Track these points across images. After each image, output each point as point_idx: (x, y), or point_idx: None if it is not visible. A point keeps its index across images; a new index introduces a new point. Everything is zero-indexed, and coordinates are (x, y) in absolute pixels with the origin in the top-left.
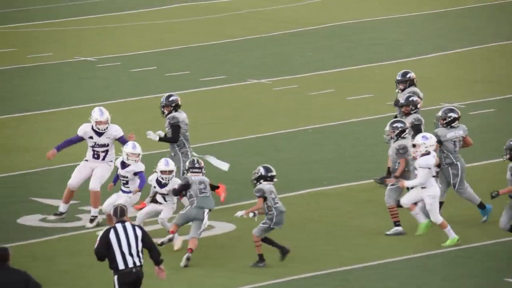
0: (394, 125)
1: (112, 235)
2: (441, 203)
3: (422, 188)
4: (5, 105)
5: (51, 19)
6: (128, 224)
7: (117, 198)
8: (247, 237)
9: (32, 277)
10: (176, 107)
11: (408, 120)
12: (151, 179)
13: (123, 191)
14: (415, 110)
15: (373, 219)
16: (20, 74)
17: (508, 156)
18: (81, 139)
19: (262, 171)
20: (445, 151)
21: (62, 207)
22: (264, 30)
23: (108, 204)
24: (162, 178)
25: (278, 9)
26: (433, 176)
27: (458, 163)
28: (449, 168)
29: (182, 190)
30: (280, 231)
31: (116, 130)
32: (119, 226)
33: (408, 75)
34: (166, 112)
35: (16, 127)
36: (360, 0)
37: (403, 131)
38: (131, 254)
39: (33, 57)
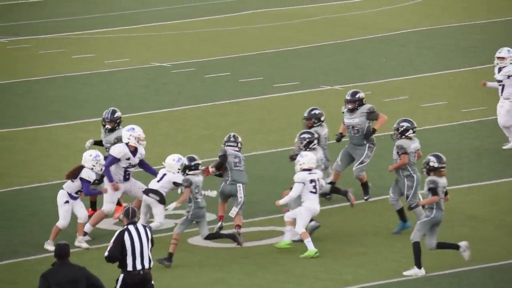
0: (302, 136)
1: (126, 237)
2: (401, 211)
3: (302, 202)
4: (84, 108)
5: (128, 25)
6: (140, 225)
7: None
8: (318, 243)
9: (91, 273)
10: (119, 124)
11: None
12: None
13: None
14: (318, 124)
15: (447, 228)
16: (99, 79)
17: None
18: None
19: (185, 161)
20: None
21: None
22: (339, 36)
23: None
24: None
25: (353, 15)
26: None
27: (415, 176)
28: (406, 179)
29: (222, 162)
30: (352, 237)
31: (143, 149)
32: (131, 228)
33: (357, 95)
34: (109, 127)
35: (94, 131)
36: (435, 7)
37: (310, 142)
38: (142, 256)
39: (110, 62)
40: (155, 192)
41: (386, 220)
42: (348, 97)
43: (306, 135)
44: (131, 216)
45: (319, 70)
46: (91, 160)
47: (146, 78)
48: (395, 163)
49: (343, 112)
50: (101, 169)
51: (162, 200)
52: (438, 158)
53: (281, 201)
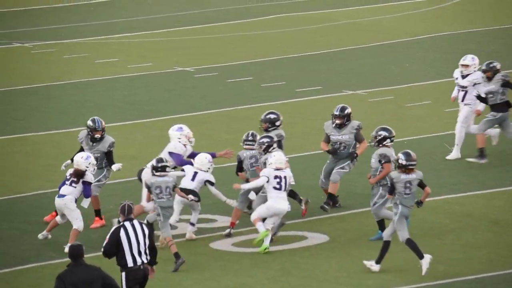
0: (261, 140)
1: (122, 233)
2: (381, 222)
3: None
4: (107, 113)
5: (151, 30)
6: (136, 222)
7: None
8: (340, 248)
9: (106, 273)
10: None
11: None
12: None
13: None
14: (272, 128)
15: (470, 233)
16: (123, 84)
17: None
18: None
19: (153, 162)
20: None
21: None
22: (362, 41)
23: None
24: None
25: (376, 20)
26: None
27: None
28: (381, 188)
29: (238, 170)
30: (375, 242)
31: (190, 148)
32: (128, 224)
33: (346, 111)
34: (99, 136)
35: (118, 135)
36: (459, 12)
37: (269, 146)
38: (139, 252)
39: (133, 67)
40: (194, 193)
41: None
42: (336, 113)
43: (265, 139)
44: (127, 213)
45: (342, 74)
46: (84, 162)
47: (169, 82)
48: (373, 171)
49: (334, 127)
50: (94, 169)
51: (199, 200)
52: (407, 155)
53: (242, 185)
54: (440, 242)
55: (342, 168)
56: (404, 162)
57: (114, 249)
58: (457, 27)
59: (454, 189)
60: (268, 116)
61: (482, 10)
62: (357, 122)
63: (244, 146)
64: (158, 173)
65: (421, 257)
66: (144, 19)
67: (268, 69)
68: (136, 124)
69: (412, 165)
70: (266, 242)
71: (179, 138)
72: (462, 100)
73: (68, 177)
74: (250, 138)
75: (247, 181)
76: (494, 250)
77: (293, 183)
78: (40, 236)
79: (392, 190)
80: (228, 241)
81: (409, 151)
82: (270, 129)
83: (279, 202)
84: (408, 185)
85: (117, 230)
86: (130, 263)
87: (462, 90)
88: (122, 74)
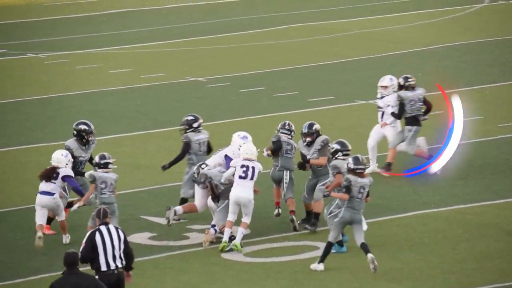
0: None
1: (97, 237)
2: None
3: None
4: (121, 123)
5: (164, 40)
6: (111, 226)
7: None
8: (352, 258)
9: (101, 283)
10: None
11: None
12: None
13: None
14: (190, 129)
15: (483, 243)
16: (136, 94)
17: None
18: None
19: (96, 159)
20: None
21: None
22: (374, 50)
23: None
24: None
25: (389, 30)
26: None
27: None
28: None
29: (276, 148)
30: (387, 252)
31: None
32: (103, 228)
33: (314, 127)
34: (92, 139)
35: (131, 145)
36: (472, 22)
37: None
38: (114, 256)
39: (146, 77)
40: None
41: (420, 235)
42: (305, 130)
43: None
44: (102, 217)
45: (354, 84)
46: (64, 159)
47: (181, 92)
48: (329, 182)
49: (305, 145)
50: (70, 165)
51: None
52: (355, 160)
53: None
54: (453, 252)
55: (324, 185)
56: (352, 166)
57: (91, 254)
58: (470, 36)
59: (467, 199)
60: (185, 119)
61: (495, 20)
62: (323, 137)
63: (281, 133)
64: (100, 170)
65: (320, 261)
66: (157, 29)
67: (281, 79)
68: (149, 134)
69: (360, 169)
70: (225, 238)
71: (240, 146)
72: (381, 120)
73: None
74: (286, 127)
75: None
76: (507, 260)
77: (261, 170)
78: (66, 240)
79: (348, 191)
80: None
81: (358, 155)
82: (188, 131)
83: (241, 190)
84: (362, 190)
85: (92, 234)
86: (103, 267)
87: (380, 111)
88: (135, 84)
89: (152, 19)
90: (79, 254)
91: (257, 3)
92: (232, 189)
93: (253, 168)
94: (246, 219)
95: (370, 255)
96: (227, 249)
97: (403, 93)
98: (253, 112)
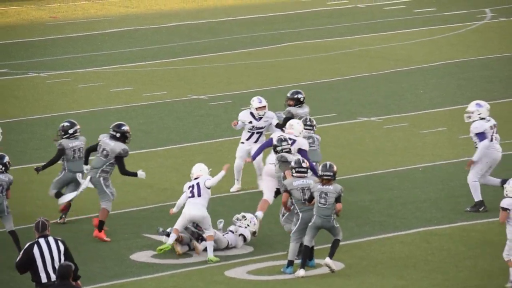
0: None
1: (35, 250)
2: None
3: None
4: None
5: (165, 58)
6: (51, 239)
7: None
8: (356, 276)
9: None
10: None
11: None
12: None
13: None
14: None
15: (487, 261)
16: (137, 112)
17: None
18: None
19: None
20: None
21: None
22: (375, 68)
23: None
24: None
25: (389, 47)
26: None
27: (300, 214)
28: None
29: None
30: (391, 269)
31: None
32: (42, 241)
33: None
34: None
35: (133, 163)
36: (472, 39)
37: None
38: (54, 268)
39: (148, 95)
40: None
41: (424, 253)
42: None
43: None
44: (41, 229)
45: (356, 102)
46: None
47: (183, 110)
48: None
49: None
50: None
51: None
52: (323, 167)
53: (174, 209)
54: (456, 270)
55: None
56: (320, 173)
57: (26, 265)
58: (471, 53)
59: (470, 215)
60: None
61: (495, 37)
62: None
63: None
64: None
65: (302, 266)
66: (158, 47)
67: (282, 97)
68: (151, 152)
69: (327, 175)
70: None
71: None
72: (256, 142)
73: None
74: (308, 123)
75: None
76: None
77: (209, 184)
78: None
79: (311, 198)
80: (243, 269)
81: (328, 163)
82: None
83: (193, 208)
84: (323, 195)
85: (30, 247)
86: (44, 279)
87: (258, 133)
88: (137, 103)
89: (153, 38)
90: (15, 263)
91: (258, 22)
92: (185, 208)
93: (197, 184)
94: (209, 232)
95: (328, 260)
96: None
97: (294, 109)
98: None
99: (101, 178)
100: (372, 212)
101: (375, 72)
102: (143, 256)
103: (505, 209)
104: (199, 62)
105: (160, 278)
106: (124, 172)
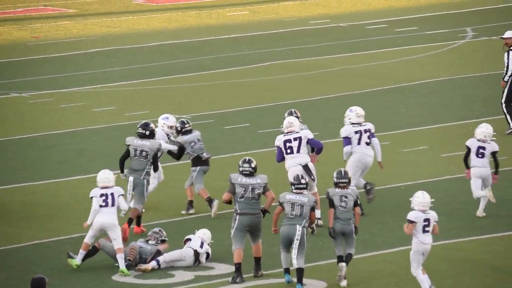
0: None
1: None
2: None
3: None
4: (105, 161)
5: (147, 78)
6: None
7: None
8: None
9: None
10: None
11: None
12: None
13: None
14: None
15: (469, 279)
16: (120, 132)
17: None
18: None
19: None
20: None
21: None
22: (357, 87)
23: None
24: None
25: (372, 66)
26: None
27: (279, 229)
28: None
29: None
30: (373, 287)
31: None
32: None
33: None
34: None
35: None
36: (454, 58)
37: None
38: None
39: (130, 115)
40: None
41: (406, 271)
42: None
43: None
44: None
45: (338, 120)
46: None
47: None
48: None
49: None
50: None
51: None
52: (337, 173)
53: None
54: None
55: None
56: (335, 180)
57: None
58: (453, 72)
59: (451, 234)
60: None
61: (477, 56)
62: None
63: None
64: None
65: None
66: (140, 67)
67: (265, 116)
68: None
69: (342, 182)
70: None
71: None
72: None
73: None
74: (296, 115)
75: None
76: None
77: (124, 202)
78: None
79: (331, 204)
80: None
81: (343, 169)
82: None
83: (105, 218)
84: (344, 198)
85: None
86: None
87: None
88: (119, 122)
89: (134, 57)
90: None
91: (240, 41)
92: (96, 217)
93: (112, 194)
94: (118, 244)
95: (343, 264)
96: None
97: (180, 138)
98: (238, 149)
99: (145, 180)
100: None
101: (357, 91)
102: (125, 277)
103: (411, 222)
104: (181, 81)
105: None
106: (157, 168)
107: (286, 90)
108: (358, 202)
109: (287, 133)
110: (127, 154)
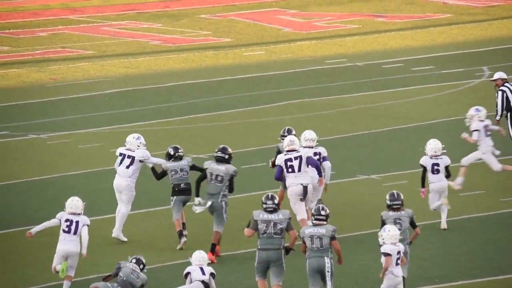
0: None
1: None
2: None
3: None
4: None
5: (165, 118)
6: None
7: None
8: None
9: None
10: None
11: None
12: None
13: None
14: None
15: None
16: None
17: None
18: None
19: None
20: None
21: None
22: (374, 126)
23: None
24: None
25: (388, 105)
26: None
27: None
28: None
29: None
30: None
31: None
32: None
33: (275, 200)
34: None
35: (131, 223)
36: (469, 96)
37: None
38: None
39: None
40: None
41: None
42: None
43: None
44: None
45: (355, 159)
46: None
47: None
48: None
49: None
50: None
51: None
52: (390, 196)
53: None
54: None
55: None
56: (388, 202)
57: None
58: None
59: (471, 274)
60: None
61: (493, 95)
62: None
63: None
64: None
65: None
66: (157, 107)
67: None
68: (149, 212)
69: (396, 204)
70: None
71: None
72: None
73: None
74: (286, 134)
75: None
76: None
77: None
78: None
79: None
80: None
81: (395, 192)
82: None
83: (68, 245)
84: (398, 221)
85: None
86: None
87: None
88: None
89: (152, 98)
90: None
91: (256, 81)
92: (60, 245)
93: (77, 222)
94: (70, 273)
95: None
96: None
97: (167, 163)
98: (255, 188)
99: (223, 203)
100: (372, 271)
101: (374, 130)
102: None
103: (387, 254)
104: (198, 121)
105: None
106: (232, 190)
107: (303, 129)
108: (415, 223)
109: (288, 151)
110: (203, 177)
